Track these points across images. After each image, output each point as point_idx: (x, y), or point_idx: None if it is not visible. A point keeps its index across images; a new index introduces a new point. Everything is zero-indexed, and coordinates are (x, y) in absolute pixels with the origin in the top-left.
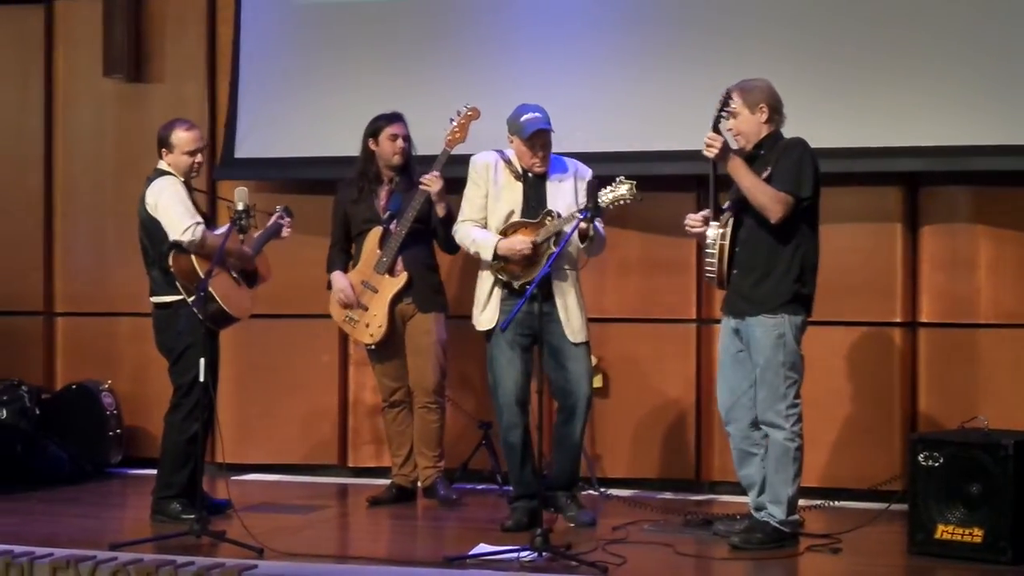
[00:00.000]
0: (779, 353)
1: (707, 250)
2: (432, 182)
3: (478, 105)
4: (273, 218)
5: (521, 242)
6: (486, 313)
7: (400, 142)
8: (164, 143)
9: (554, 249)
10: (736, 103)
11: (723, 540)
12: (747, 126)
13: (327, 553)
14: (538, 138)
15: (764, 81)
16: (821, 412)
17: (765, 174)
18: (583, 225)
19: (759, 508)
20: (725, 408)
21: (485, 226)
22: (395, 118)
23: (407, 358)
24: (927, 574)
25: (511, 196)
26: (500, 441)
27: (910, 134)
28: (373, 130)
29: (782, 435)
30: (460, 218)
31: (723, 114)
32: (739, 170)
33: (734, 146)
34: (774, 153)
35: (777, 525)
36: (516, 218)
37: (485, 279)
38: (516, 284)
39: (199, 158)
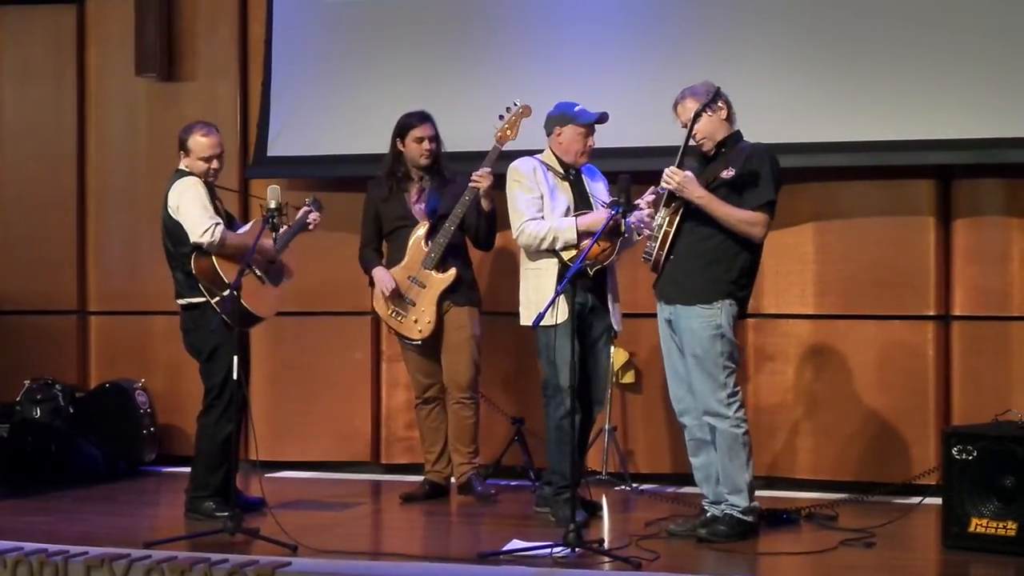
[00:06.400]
0: (717, 344)
1: (652, 233)
2: (483, 179)
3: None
4: (300, 212)
5: (601, 213)
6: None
7: (427, 144)
8: (182, 145)
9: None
10: (693, 107)
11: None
12: (710, 127)
13: (361, 550)
14: (591, 128)
15: (707, 82)
16: (854, 406)
17: (727, 173)
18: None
19: (718, 501)
20: (678, 399)
21: None
22: (422, 119)
23: (441, 354)
24: (961, 568)
25: (564, 195)
26: (551, 428)
27: (942, 127)
28: (400, 130)
29: (727, 423)
30: (522, 219)
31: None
32: (711, 204)
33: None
34: (735, 154)
35: (740, 516)
36: (572, 213)
37: (545, 277)
38: (591, 271)
39: (215, 164)
